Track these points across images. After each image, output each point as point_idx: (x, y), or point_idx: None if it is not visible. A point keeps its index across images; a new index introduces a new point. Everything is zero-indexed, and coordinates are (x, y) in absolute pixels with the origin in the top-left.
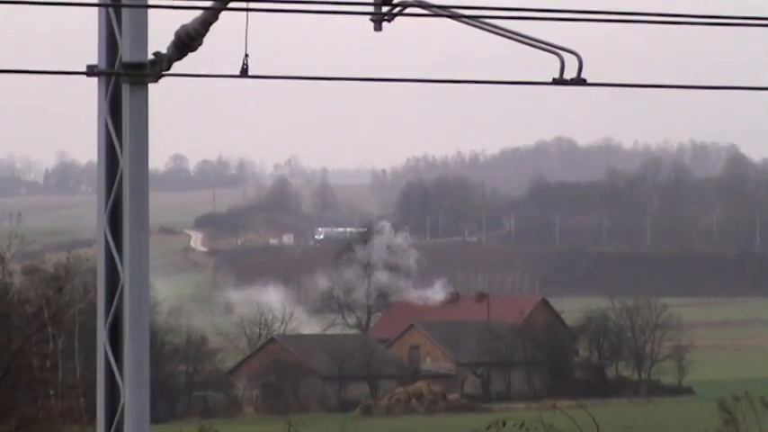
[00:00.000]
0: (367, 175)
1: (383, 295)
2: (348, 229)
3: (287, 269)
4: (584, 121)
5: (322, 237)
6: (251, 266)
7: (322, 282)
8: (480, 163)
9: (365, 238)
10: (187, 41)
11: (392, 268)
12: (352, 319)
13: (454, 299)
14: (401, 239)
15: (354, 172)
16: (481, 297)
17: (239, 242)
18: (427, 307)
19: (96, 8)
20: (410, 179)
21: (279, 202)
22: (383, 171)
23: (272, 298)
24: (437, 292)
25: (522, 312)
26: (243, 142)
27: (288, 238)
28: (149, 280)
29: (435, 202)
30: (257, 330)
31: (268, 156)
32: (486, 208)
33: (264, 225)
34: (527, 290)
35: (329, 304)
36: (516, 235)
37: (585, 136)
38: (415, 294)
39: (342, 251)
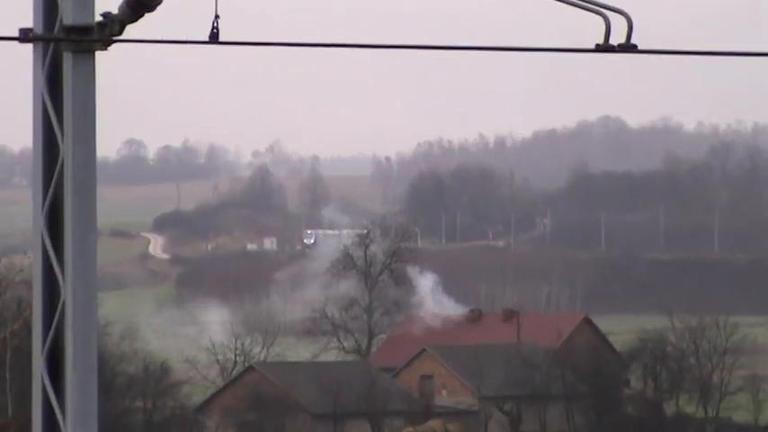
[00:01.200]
0: (367, 164)
1: (388, 313)
2: (345, 232)
3: (269, 281)
4: (635, 97)
5: (312, 241)
6: (224, 278)
7: (312, 297)
8: (508, 149)
9: (366, 242)
10: None
11: (399, 280)
12: (349, 343)
13: (476, 317)
14: (410, 244)
15: (352, 161)
16: (509, 315)
17: (209, 248)
18: (443, 327)
19: None
20: (421, 169)
21: (259, 198)
22: (387, 159)
23: (251, 317)
24: (455, 309)
25: (559, 333)
26: (214, 124)
27: (270, 243)
28: (97, 295)
29: (452, 197)
30: (232, 357)
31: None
32: (516, 205)
33: (241, 227)
34: (566, 306)
35: (321, 324)
36: (553, 238)
37: (638, 115)
38: (427, 312)
39: (337, 259)
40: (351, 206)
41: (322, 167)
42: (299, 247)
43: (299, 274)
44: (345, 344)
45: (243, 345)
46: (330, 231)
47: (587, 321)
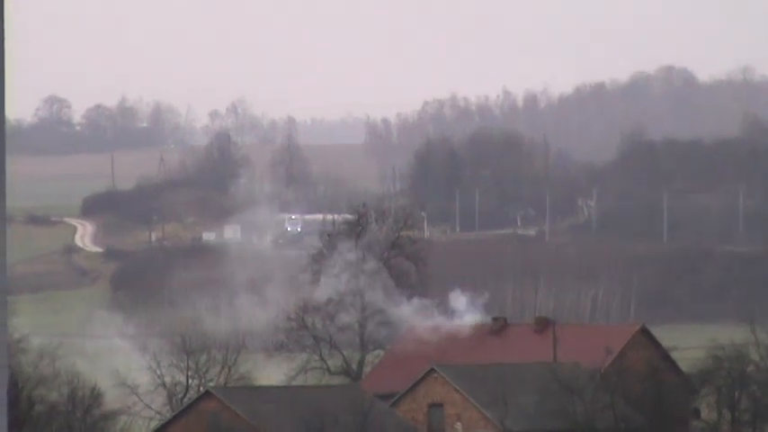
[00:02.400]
0: (359, 129)
1: (386, 323)
2: (330, 218)
3: (231, 281)
4: (705, 43)
5: (289, 229)
6: (173, 278)
7: (288, 301)
8: (541, 109)
9: (357, 231)
10: None
11: (400, 280)
12: (335, 361)
13: (500, 328)
14: (415, 233)
15: (339, 125)
16: (543, 325)
17: (154, 238)
18: (456, 341)
19: None
20: (429, 135)
21: (218, 173)
22: (385, 123)
23: (208, 327)
24: (472, 318)
25: (608, 350)
26: (160, 78)
27: (233, 232)
28: (6, 301)
29: (469, 172)
30: (183, 379)
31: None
32: (551, 182)
33: (195, 211)
34: (617, 314)
35: (299, 337)
36: (599, 226)
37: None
38: (436, 320)
39: (320, 252)
40: (338, 184)
41: (301, 134)
42: (270, 238)
43: (271, 271)
44: (330, 362)
45: (197, 363)
46: (311, 217)
47: (644, 333)
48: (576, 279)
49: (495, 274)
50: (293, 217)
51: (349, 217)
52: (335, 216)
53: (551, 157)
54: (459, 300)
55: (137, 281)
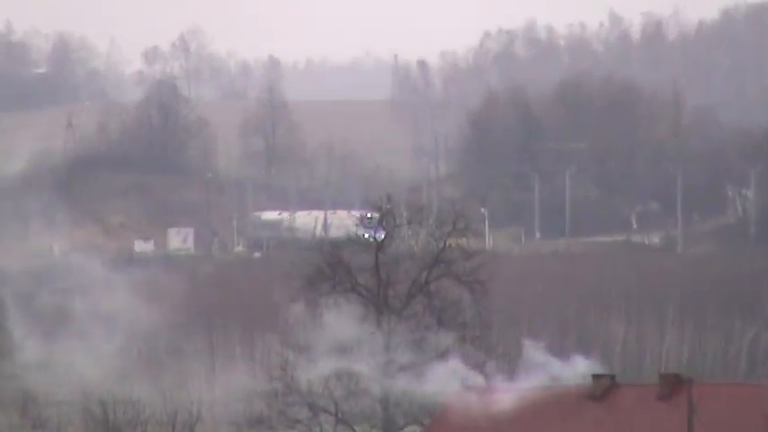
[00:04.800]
0: (382, 77)
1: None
2: (335, 215)
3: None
4: None
5: (172, 247)
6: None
7: (268, 348)
8: (669, 45)
9: (378, 236)
10: None
11: (447, 315)
12: None
13: (604, 391)
14: (471, 241)
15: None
16: (672, 385)
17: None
18: (535, 413)
19: None
20: (491, 86)
21: (158, 145)
22: (422, 67)
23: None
24: (560, 374)
25: None
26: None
27: (181, 239)
28: None
29: (554, 143)
30: None
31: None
32: (686, 159)
33: (122, 206)
34: None
35: (288, 405)
36: (761, 228)
37: None
38: (503, 380)
39: (318, 270)
40: (348, 164)
41: (289, 85)
42: (239, 247)
43: (242, 301)
44: None
45: None
46: (305, 214)
47: None
48: (725, 312)
49: (595, 305)
50: (260, 216)
51: (365, 214)
52: (344, 213)
53: (685, 120)
54: (538, 347)
55: (29, 311)
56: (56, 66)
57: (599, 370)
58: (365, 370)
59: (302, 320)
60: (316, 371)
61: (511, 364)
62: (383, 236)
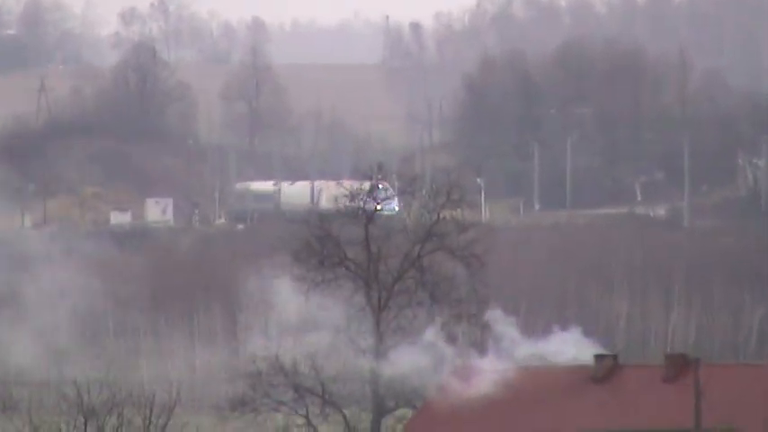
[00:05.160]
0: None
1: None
2: (322, 185)
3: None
4: None
5: (252, 206)
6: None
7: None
8: (675, 6)
9: (368, 207)
10: None
11: (441, 290)
12: (332, 427)
13: (606, 372)
14: (467, 213)
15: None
16: (678, 366)
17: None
18: (535, 394)
19: None
20: (488, 49)
21: (136, 110)
22: (415, 29)
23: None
24: (560, 353)
25: None
26: None
27: (160, 211)
28: None
29: (554, 109)
30: None
31: None
32: (693, 126)
33: (99, 175)
34: None
35: (272, 387)
36: None
37: None
38: (502, 358)
39: (306, 245)
40: (336, 131)
41: (275, 47)
42: (221, 220)
43: (224, 277)
44: (324, 430)
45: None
46: (290, 185)
47: None
48: (735, 289)
49: (597, 281)
50: (244, 187)
51: (356, 184)
52: (332, 184)
53: (693, 85)
54: (537, 324)
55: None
56: (28, 27)
57: (602, 350)
58: (354, 349)
59: (289, 297)
60: (302, 350)
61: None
62: (396, 207)
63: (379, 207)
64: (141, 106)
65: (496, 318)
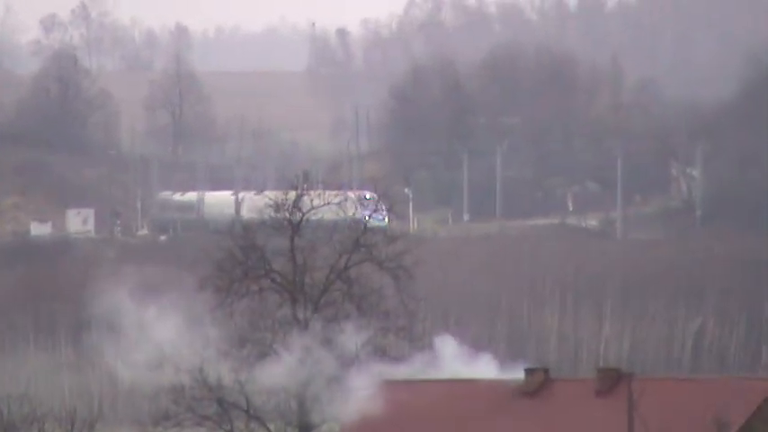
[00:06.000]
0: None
1: (342, 377)
2: (247, 195)
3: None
4: None
5: (173, 216)
6: None
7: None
8: (607, 14)
9: (293, 218)
10: None
11: (367, 304)
12: None
13: (537, 386)
14: (394, 223)
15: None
16: (610, 380)
17: None
18: (463, 409)
19: None
20: (417, 57)
21: (57, 120)
22: (342, 36)
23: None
24: (488, 368)
25: (720, 422)
26: None
27: (82, 221)
28: None
29: (485, 118)
30: None
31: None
32: (627, 135)
33: (17, 185)
34: (737, 359)
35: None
36: (707, 211)
37: None
38: (429, 374)
39: (229, 255)
40: (261, 139)
41: (198, 55)
42: (143, 230)
43: (147, 288)
44: None
45: None
46: (215, 194)
47: None
48: (669, 302)
49: (528, 293)
50: (167, 197)
51: (281, 194)
52: (255, 195)
53: (626, 93)
54: (466, 338)
55: None
56: None
57: (533, 364)
58: (279, 363)
59: (211, 309)
60: (226, 364)
61: (437, 355)
62: (385, 219)
63: (368, 218)
64: (62, 116)
65: (446, 342)
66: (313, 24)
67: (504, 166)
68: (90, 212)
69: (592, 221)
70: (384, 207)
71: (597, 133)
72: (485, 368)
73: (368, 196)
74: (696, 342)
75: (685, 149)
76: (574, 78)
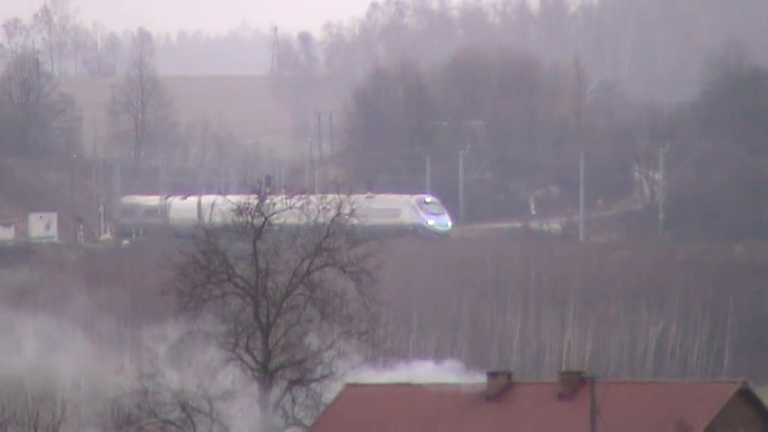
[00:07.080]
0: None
1: (304, 381)
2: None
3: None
4: None
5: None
6: None
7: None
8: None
9: (256, 222)
10: None
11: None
12: None
13: (500, 390)
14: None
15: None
16: (573, 384)
17: None
18: (426, 413)
19: None
20: (380, 60)
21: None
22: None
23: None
24: (453, 372)
25: (683, 425)
26: None
27: (45, 225)
28: None
29: (448, 121)
30: None
31: None
32: (589, 137)
33: None
34: (700, 364)
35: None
36: (670, 214)
37: None
38: (391, 378)
39: (191, 261)
40: (223, 144)
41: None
42: (107, 235)
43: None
44: None
45: None
46: (178, 200)
47: (745, 396)
48: (632, 306)
49: (491, 298)
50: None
51: (244, 199)
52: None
53: (588, 96)
54: (429, 341)
55: None
56: None
57: (495, 367)
58: (242, 367)
59: (174, 313)
60: (189, 367)
61: (399, 359)
62: (448, 223)
63: (432, 222)
64: (25, 120)
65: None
66: (275, 29)
67: (465, 169)
68: (53, 217)
69: (554, 225)
70: (445, 211)
71: (559, 137)
72: (447, 372)
73: (428, 200)
74: (659, 346)
75: (648, 153)
76: (536, 82)
